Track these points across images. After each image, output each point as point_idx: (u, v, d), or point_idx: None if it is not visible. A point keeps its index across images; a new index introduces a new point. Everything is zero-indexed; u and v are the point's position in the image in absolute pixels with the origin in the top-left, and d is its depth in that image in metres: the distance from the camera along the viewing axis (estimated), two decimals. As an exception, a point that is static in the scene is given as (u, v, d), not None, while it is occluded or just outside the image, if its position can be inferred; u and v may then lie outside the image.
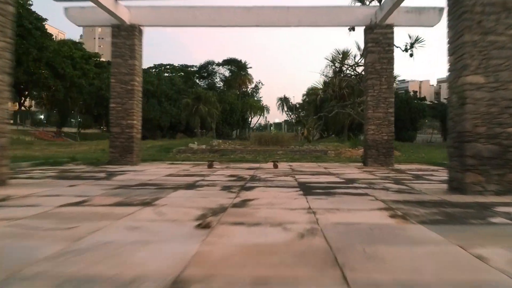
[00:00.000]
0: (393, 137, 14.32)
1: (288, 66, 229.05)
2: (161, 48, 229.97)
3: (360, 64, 28.64)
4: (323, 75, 31.46)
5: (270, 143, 31.27)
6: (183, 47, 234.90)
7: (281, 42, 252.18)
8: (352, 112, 29.90)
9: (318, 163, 16.06)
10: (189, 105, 44.27)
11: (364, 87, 14.90)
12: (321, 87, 29.54)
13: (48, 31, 50.72)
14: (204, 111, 44.23)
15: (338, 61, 29.39)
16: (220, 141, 37.84)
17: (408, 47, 24.97)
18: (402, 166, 14.14)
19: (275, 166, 12.84)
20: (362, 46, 29.23)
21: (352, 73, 29.40)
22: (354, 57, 28.72)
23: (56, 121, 55.68)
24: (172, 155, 23.74)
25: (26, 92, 53.14)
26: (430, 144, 48.31)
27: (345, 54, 29.06)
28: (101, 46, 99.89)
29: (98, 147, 29.34)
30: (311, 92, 64.43)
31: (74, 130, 56.83)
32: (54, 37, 63.70)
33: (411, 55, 24.39)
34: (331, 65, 29.48)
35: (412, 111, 53.98)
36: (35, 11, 49.43)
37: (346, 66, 29.40)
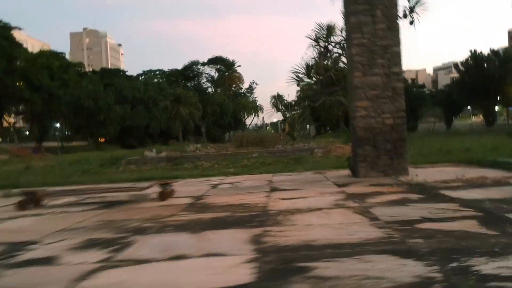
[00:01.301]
0: (405, 120, 7.07)
1: (284, 62, 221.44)
2: (153, 53, 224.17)
3: (349, 39, 21.22)
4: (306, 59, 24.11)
5: (253, 144, 24.15)
6: (174, 51, 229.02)
7: (273, 39, 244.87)
8: (344, 100, 22.42)
9: (278, 174, 8.80)
10: (168, 108, 37.28)
11: (346, 32, 7.65)
12: (303, 71, 22.10)
13: (16, 40, 44.16)
14: (184, 114, 37.20)
15: (323, 38, 21.90)
16: (199, 145, 30.82)
17: (408, 12, 17.45)
18: (425, 172, 6.88)
19: (162, 196, 5.67)
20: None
21: (341, 52, 21.89)
22: (342, 31, 21.29)
23: (36, 136, 49.03)
24: (109, 170, 16.69)
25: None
26: (436, 133, 40.89)
27: (330, 30, 21.56)
28: (90, 56, 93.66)
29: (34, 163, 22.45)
30: (305, 87, 57.18)
31: (56, 144, 50.15)
32: (39, 48, 57.48)
33: (411, 22, 16.69)
34: (315, 45, 22.05)
35: (411, 100, 46.86)
36: (1, 19, 42.97)
37: (332, 44, 21.91)
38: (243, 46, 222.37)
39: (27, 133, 54.80)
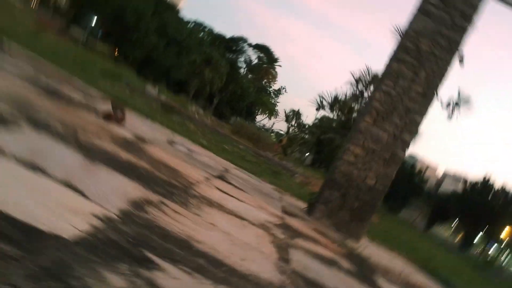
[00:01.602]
0: (386, 190, 6.43)
1: (319, 84, 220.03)
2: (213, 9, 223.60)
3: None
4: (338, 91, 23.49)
5: (248, 138, 23.65)
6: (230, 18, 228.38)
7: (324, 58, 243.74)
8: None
9: (240, 169, 8.16)
10: (195, 63, 36.57)
11: (381, 75, 7.00)
12: (329, 101, 21.51)
13: None
14: (207, 77, 36.49)
15: (363, 83, 21.38)
16: (202, 111, 30.24)
17: (452, 103, 16.96)
18: (375, 251, 6.25)
19: (107, 117, 5.01)
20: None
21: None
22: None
23: (68, 17, 48.20)
24: (108, 84, 16.12)
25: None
26: (412, 225, 40.15)
27: (374, 78, 21.03)
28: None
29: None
30: (325, 119, 56.50)
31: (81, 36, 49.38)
32: None
33: (450, 116, 16.14)
34: (353, 84, 21.48)
35: (410, 187, 46.24)
36: None
37: (369, 92, 21.32)
38: (289, 50, 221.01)
39: (65, 11, 53.89)
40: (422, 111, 6.38)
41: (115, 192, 2.50)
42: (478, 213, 39.04)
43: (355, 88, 21.61)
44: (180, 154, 5.62)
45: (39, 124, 3.11)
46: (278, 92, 59.90)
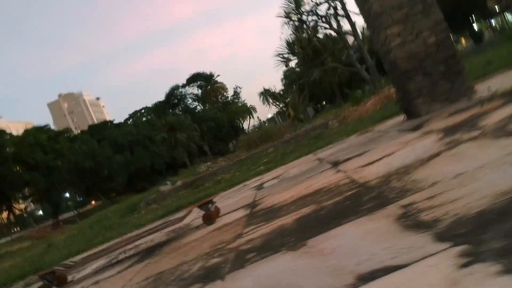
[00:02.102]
0: (449, 33, 5.72)
1: (260, 58, 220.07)
2: (133, 94, 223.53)
3: (320, 2, 20.01)
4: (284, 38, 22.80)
5: (261, 142, 22.97)
6: (152, 85, 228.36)
7: (242, 39, 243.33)
8: (336, 65, 21.15)
9: (319, 151, 7.44)
10: (165, 139, 35.95)
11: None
12: (287, 51, 20.82)
13: (-1, 128, 42.97)
14: (183, 139, 35.86)
15: (294, 12, 20.67)
16: (209, 163, 29.53)
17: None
18: (494, 82, 5.53)
19: (209, 219, 4.33)
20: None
21: (316, 19, 20.65)
22: (310, -3, 20.04)
23: (50, 213, 47.75)
24: (130, 218, 15.41)
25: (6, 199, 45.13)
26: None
27: (298, 0, 20.36)
28: (74, 119, 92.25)
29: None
30: (288, 73, 55.83)
31: (72, 213, 48.90)
32: (23, 129, 56.05)
33: None
34: (288, 21, 20.79)
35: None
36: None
37: (305, 14, 20.67)
38: (215, 57, 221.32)
39: (41, 212, 53.51)
40: None
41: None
42: (460, 5, 37.77)
43: (293, 22, 20.93)
44: (284, 185, 4.91)
45: None
46: (236, 94, 59.35)
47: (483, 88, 5.37)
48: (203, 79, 51.10)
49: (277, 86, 71.78)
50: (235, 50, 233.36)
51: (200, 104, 51.51)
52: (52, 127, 56.77)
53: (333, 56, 22.15)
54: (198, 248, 3.39)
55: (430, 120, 4.89)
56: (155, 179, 50.97)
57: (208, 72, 51.99)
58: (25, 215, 51.41)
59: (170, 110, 50.86)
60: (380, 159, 3.78)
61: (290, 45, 20.54)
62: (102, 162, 45.87)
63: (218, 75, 52.86)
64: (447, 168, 2.49)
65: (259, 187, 5.85)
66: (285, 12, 20.78)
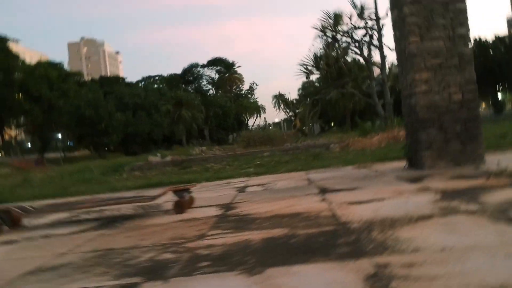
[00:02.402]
0: (476, 94, 5.54)
1: (282, 62, 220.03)
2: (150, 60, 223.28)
3: (358, 27, 19.79)
4: (313, 50, 22.60)
5: (261, 144, 22.77)
6: (172, 56, 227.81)
7: (271, 38, 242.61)
8: (355, 92, 20.93)
9: (312, 172, 7.24)
10: (170, 112, 35.74)
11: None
12: (311, 63, 20.61)
13: (13, 52, 42.68)
14: (187, 117, 35.66)
15: (330, 28, 20.45)
16: (205, 147, 29.29)
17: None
18: (507, 158, 5.33)
19: (180, 207, 4.13)
20: (359, 2, 20.40)
21: (350, 42, 20.45)
22: (350, 19, 19.83)
23: (38, 148, 47.53)
24: (112, 178, 15.21)
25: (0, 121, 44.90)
26: None
27: (337, 18, 20.16)
28: (89, 65, 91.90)
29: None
30: (307, 85, 55.61)
31: (59, 155, 48.66)
32: (37, 59, 55.62)
33: None
34: (322, 36, 20.57)
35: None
36: (-4, 32, 41.53)
37: (341, 33, 20.46)
38: (239, 49, 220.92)
39: (29, 145, 53.29)
40: (459, -3, 5.46)
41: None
42: (492, 73, 37.77)
43: (325, 38, 20.71)
44: (266, 196, 4.72)
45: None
46: (251, 89, 59.16)
47: (493, 160, 5.17)
48: (224, 66, 50.86)
49: (292, 94, 71.57)
50: (260, 47, 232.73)
51: (213, 89, 51.27)
52: (65, 67, 56.54)
53: (354, 82, 21.94)
54: (158, 236, 3.19)
55: (431, 176, 4.69)
56: (149, 147, 50.72)
57: (230, 60, 51.77)
58: (13, 143, 51.18)
59: (183, 85, 50.62)
60: (369, 201, 3.58)
61: (316, 59, 20.32)
62: (103, 115, 45.62)
63: (239, 66, 52.73)
64: (436, 236, 2.29)
65: (242, 189, 5.65)
66: (322, 26, 20.55)
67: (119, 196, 6.23)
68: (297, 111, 34.16)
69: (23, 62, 45.07)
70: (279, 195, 4.58)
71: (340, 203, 3.65)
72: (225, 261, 2.27)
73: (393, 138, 16.20)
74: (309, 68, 20.30)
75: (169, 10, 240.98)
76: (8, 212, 4.22)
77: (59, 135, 50.65)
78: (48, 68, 47.70)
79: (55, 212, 4.49)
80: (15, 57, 41.94)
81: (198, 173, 13.06)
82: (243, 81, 54.30)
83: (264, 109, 57.02)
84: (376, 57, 19.66)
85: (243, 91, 58.38)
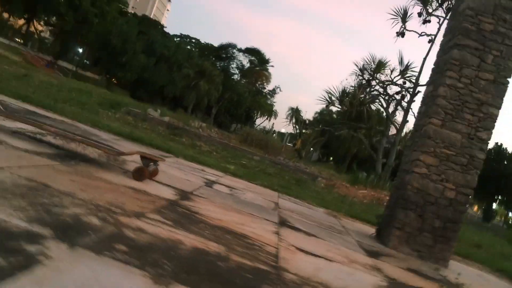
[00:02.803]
0: (468, 200, 5.38)
1: (311, 80, 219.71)
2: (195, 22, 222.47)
3: (395, 83, 19.64)
4: (344, 84, 22.51)
5: (257, 145, 22.65)
6: (216, 28, 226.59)
7: (312, 52, 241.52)
8: (364, 140, 20.80)
9: (285, 196, 7.06)
10: (189, 77, 35.51)
11: (435, 66, 5.88)
12: (337, 95, 20.46)
13: None
14: (203, 89, 35.44)
15: (369, 71, 20.32)
16: (205, 125, 29.13)
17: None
18: (466, 272, 5.17)
19: (139, 174, 3.95)
20: (406, 58, 20.24)
21: (381, 92, 20.31)
22: (391, 72, 19.68)
23: (56, 52, 47.22)
24: (105, 112, 15.10)
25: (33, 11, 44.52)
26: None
27: (380, 65, 20.01)
28: (137, 0, 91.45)
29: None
30: (325, 112, 55.44)
31: (71, 67, 48.43)
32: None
33: None
34: (358, 74, 20.43)
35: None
36: None
37: (377, 80, 20.33)
38: (277, 48, 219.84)
39: (49, 45, 52.88)
40: (496, 102, 5.31)
41: None
42: (499, 181, 37.68)
43: (361, 78, 20.57)
44: (228, 202, 4.55)
45: (68, 227, 2.05)
46: (273, 92, 58.94)
47: (455, 269, 5.02)
48: (258, 58, 50.62)
49: (308, 114, 71.31)
50: (297, 56, 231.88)
51: (239, 75, 51.05)
52: (115, -10, 56.10)
53: (367, 131, 21.80)
54: (99, 193, 3.03)
55: (390, 257, 4.54)
56: (156, 100, 50.52)
57: (266, 56, 51.55)
58: (36, 36, 50.84)
59: (213, 59, 50.39)
60: (318, 256, 3.42)
61: (343, 93, 20.18)
62: (128, 51, 45.37)
63: (272, 66, 52.49)
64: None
65: (210, 183, 5.48)
66: (362, 66, 20.42)
67: (92, 134, 6.06)
68: (303, 130, 34.01)
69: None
70: (239, 207, 4.42)
71: (290, 244, 3.49)
72: (142, 254, 2.11)
73: (378, 199, 16.07)
74: (333, 99, 20.14)
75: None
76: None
77: (80, 50, 50.36)
78: (98, -16, 47.36)
79: (23, 122, 4.32)
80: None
81: (184, 146, 12.92)
82: (270, 81, 54.07)
83: (276, 115, 56.82)
84: (398, 117, 19.53)
85: (265, 90, 58.16)
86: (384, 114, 21.07)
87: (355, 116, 21.65)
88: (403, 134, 20.42)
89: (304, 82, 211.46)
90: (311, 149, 31.98)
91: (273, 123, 64.07)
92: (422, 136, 5.40)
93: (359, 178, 18.49)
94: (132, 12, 59.58)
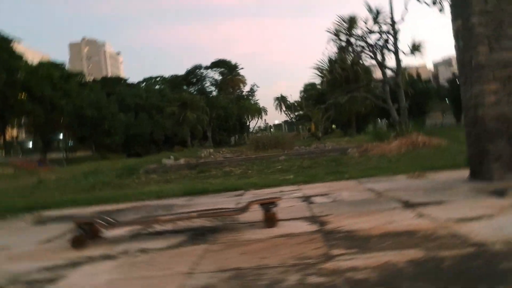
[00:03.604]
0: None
1: (284, 65, 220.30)
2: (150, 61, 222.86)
3: (373, 31, 19.80)
4: (324, 54, 22.61)
5: (270, 147, 22.72)
6: (172, 57, 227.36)
7: (274, 40, 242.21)
8: (369, 96, 20.92)
9: (364, 180, 7.14)
10: (174, 113, 35.56)
11: (463, 4, 5.97)
12: (326, 67, 20.57)
13: (16, 52, 42.25)
14: (192, 119, 35.50)
15: (344, 31, 20.45)
16: (212, 150, 29.17)
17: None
18: None
19: (270, 222, 4.03)
20: (374, 6, 20.39)
21: (364, 45, 20.45)
22: (366, 23, 19.83)
23: (40, 148, 47.08)
24: (131, 181, 15.07)
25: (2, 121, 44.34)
26: (449, 127, 39.43)
27: (352, 22, 20.15)
28: (90, 66, 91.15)
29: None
30: (309, 88, 55.58)
31: (61, 155, 48.27)
32: (39, 59, 55.05)
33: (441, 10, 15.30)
34: (335, 39, 20.55)
35: (418, 95, 45.11)
36: (0, 31, 41.08)
37: (355, 37, 20.45)
38: (239, 50, 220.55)
39: (30, 145, 52.79)
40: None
41: None
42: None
43: (339, 42, 20.70)
44: (346, 209, 4.62)
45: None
46: (251, 91, 59.09)
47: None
48: (227, 67, 50.71)
49: (294, 96, 71.57)
50: (260, 50, 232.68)
51: (216, 90, 51.12)
52: (67, 67, 56.06)
53: (367, 87, 21.94)
54: (274, 253, 3.09)
55: (509, 190, 4.63)
56: (151, 148, 50.48)
57: (233, 62, 51.65)
58: (14, 143, 50.68)
59: (185, 87, 50.46)
60: (477, 218, 3.50)
61: (331, 63, 20.30)
62: (105, 115, 45.36)
63: (242, 68, 52.62)
64: None
65: (307, 199, 5.55)
66: (336, 30, 20.54)
67: (172, 205, 6.12)
68: (298, 112, 34.04)
69: (26, 62, 44.59)
70: (359, 209, 4.49)
71: (444, 219, 3.57)
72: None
73: (412, 143, 16.19)
74: (324, 71, 20.25)
75: (167, 11, 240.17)
76: (91, 224, 4.10)
77: (61, 136, 50.22)
78: (50, 68, 47.31)
79: (136, 225, 4.37)
80: (19, 57, 41.50)
81: (221, 177, 12.97)
82: (246, 83, 54.22)
83: (265, 111, 56.94)
84: (390, 61, 19.70)
85: (243, 93, 58.30)
86: (374, 64, 21.21)
87: (345, 78, 21.78)
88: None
89: (278, 70, 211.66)
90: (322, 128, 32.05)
91: (265, 119, 64.06)
92: (476, 69, 5.49)
93: (384, 134, 18.64)
94: (91, 79, 59.45)
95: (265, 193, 6.58)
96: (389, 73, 20.31)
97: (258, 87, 63.95)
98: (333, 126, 49.35)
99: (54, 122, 46.83)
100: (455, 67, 56.20)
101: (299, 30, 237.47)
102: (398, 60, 19.02)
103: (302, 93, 54.69)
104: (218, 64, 49.72)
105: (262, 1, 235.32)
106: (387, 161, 11.89)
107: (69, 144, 51.14)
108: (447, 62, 73.18)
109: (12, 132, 49.51)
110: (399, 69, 19.21)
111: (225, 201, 6.09)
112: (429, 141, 15.92)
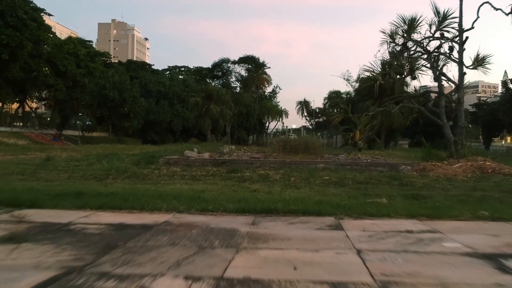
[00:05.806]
0: None
1: (308, 71, 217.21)
2: (176, 51, 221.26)
3: (436, 37, 17.09)
4: (376, 57, 19.98)
5: (299, 151, 20.08)
6: (196, 50, 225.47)
7: (302, 46, 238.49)
8: (422, 109, 18.17)
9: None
10: (198, 104, 33.19)
11: None
12: (379, 70, 17.91)
13: (46, 23, 40.23)
14: (215, 112, 33.08)
15: (402, 34, 17.72)
16: (234, 146, 26.68)
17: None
18: None
19: None
20: (442, 7, 17.68)
21: (423, 52, 17.73)
22: (430, 27, 17.12)
23: (57, 124, 45.17)
24: (150, 171, 12.66)
25: (23, 91, 42.46)
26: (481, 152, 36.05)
27: (412, 24, 17.41)
28: (116, 48, 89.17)
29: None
30: (333, 95, 52.81)
31: (77, 133, 46.30)
32: (67, 36, 53.27)
33: None
34: (389, 42, 17.84)
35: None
36: (32, 0, 39.10)
37: (413, 41, 17.72)
38: (265, 50, 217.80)
39: (48, 119, 50.88)
40: None
41: None
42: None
43: (393, 45, 17.99)
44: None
45: None
46: (274, 92, 56.62)
47: None
48: (254, 64, 48.24)
49: (317, 102, 68.95)
50: (287, 52, 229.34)
51: (241, 86, 48.68)
52: (94, 46, 54.16)
53: (418, 98, 19.25)
54: None
55: None
56: (167, 137, 48.24)
57: (260, 60, 49.19)
58: (33, 114, 48.80)
59: (210, 80, 48.13)
60: None
61: (384, 66, 17.66)
62: (126, 98, 43.15)
63: (269, 67, 50.10)
64: None
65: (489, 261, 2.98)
66: (391, 32, 17.83)
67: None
68: (355, 119, 31.56)
69: (54, 34, 42.68)
70: None
71: None
72: None
73: (478, 168, 13.50)
74: (375, 74, 17.62)
75: (201, 4, 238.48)
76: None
77: (79, 113, 48.29)
78: (77, 45, 45.37)
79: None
80: (48, 28, 39.48)
81: (261, 183, 10.48)
82: (271, 83, 51.70)
83: (287, 114, 54.42)
84: (451, 73, 16.95)
85: (266, 93, 55.85)
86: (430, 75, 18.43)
87: (399, 87, 19.05)
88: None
89: (301, 73, 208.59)
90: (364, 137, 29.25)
91: (283, 122, 61.49)
92: None
93: (433, 152, 15.95)
94: (116, 60, 57.51)
95: (374, 230, 4.00)
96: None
97: (280, 88, 61.38)
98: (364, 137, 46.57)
99: (74, 99, 44.90)
100: (481, 93, 52.64)
101: (327, 37, 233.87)
102: (461, 72, 16.26)
103: (326, 100, 51.93)
104: (246, 60, 47.23)
105: (289, 4, 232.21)
106: (470, 188, 9.33)
107: (87, 123, 49.14)
108: (474, 87, 69.14)
109: (31, 104, 47.66)
110: (461, 82, 16.44)
111: (318, 237, 3.54)
112: (499, 167, 13.27)
